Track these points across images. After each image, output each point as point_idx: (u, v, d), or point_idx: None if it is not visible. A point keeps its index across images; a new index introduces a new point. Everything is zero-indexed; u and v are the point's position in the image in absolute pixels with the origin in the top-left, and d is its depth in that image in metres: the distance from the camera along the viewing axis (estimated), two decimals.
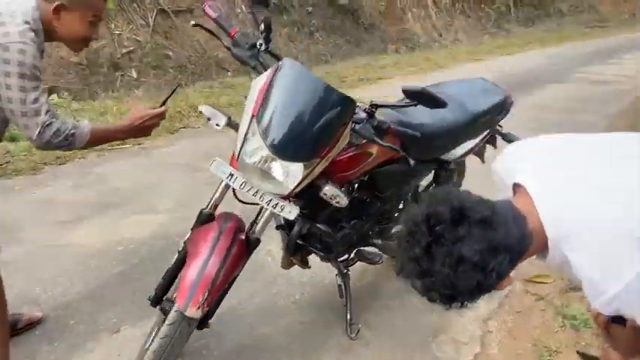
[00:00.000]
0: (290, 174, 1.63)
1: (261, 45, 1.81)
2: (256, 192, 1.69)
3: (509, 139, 2.61)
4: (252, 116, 1.62)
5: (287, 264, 2.24)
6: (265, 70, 1.77)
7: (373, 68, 8.96)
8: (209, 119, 1.75)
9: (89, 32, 1.73)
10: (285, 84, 1.64)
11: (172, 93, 1.94)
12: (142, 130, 1.86)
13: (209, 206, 1.82)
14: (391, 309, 2.48)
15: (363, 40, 11.03)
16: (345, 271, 2.25)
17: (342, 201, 1.79)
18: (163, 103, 1.90)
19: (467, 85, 2.63)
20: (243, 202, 1.86)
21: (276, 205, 1.70)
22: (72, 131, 1.68)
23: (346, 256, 2.26)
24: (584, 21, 17.34)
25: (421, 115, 2.09)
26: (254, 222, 1.93)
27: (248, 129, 1.62)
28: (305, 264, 2.26)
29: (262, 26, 1.78)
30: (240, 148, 1.63)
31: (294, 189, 1.66)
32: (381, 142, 1.79)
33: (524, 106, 6.09)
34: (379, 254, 2.24)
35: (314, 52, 9.78)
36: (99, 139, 1.81)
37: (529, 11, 16.15)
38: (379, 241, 2.41)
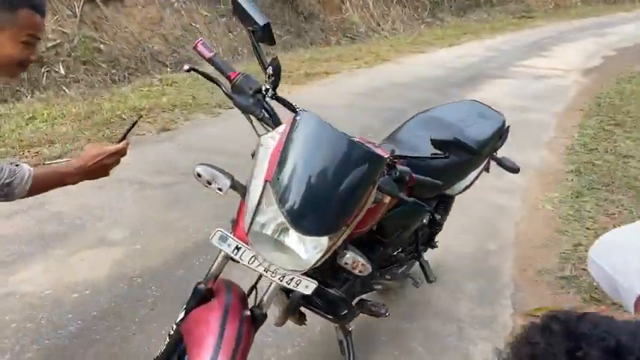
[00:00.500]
0: (313, 248, 1.37)
1: (267, 90, 1.51)
2: (268, 267, 1.42)
3: (504, 164, 2.47)
4: (266, 181, 1.35)
5: (283, 322, 1.98)
6: (274, 121, 1.48)
7: (318, 62, 8.69)
8: (209, 182, 1.44)
9: (23, 54, 1.40)
10: (303, 142, 1.37)
11: (133, 126, 1.63)
12: (97, 170, 1.56)
13: (206, 280, 1.53)
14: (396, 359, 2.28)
15: (304, 31, 10.72)
16: (350, 328, 2.02)
17: (366, 270, 1.55)
18: (123, 138, 1.60)
19: (462, 110, 2.46)
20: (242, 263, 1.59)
21: (291, 280, 1.43)
22: (7, 180, 1.36)
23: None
24: (512, 11, 17.80)
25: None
26: (252, 289, 1.67)
27: (261, 197, 1.34)
28: (302, 320, 2.01)
29: (270, 69, 1.48)
30: (252, 220, 1.35)
31: (315, 264, 1.40)
32: (406, 199, 1.56)
33: None
34: (384, 306, 2.02)
35: None
36: (44, 186, 1.49)
37: (461, 1, 16.38)
38: (379, 286, 2.21)
